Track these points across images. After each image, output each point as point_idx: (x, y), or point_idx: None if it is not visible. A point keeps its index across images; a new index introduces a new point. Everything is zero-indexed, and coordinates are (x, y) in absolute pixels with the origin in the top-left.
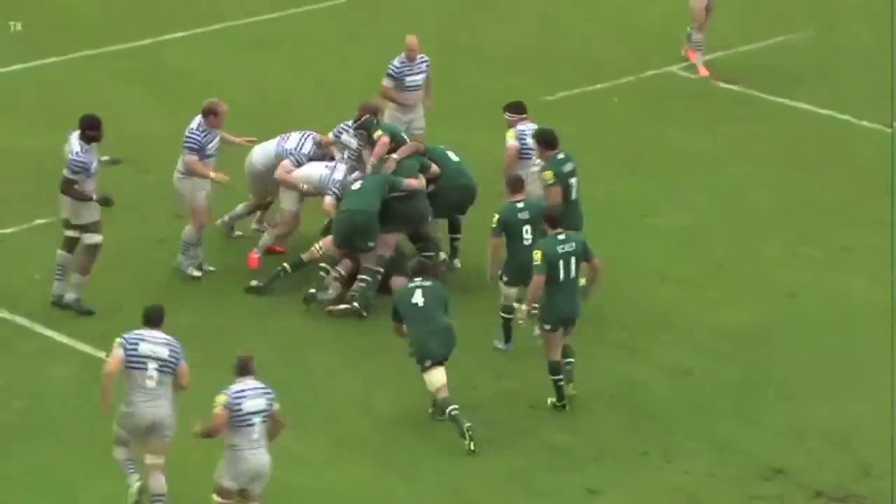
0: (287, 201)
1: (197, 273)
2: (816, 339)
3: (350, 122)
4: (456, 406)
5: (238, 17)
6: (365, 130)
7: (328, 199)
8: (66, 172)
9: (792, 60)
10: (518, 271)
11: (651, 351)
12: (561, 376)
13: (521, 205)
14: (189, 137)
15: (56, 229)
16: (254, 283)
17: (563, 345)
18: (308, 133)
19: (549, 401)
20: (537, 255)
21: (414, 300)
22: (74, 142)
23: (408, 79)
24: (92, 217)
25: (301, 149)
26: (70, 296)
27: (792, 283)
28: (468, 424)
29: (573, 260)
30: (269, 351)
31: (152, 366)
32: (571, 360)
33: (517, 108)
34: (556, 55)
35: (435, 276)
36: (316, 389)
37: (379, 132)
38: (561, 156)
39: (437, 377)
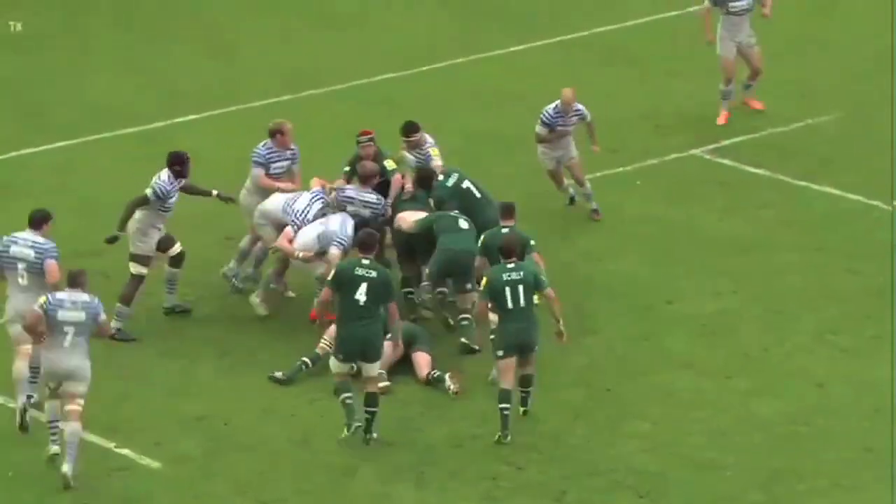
0: (313, 267)
1: (240, 286)
2: (847, 432)
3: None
4: (350, 395)
5: (251, 99)
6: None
7: (334, 251)
8: (147, 191)
9: (819, 144)
10: None
11: (677, 442)
12: (508, 405)
13: (505, 230)
14: (254, 153)
15: None
16: (278, 374)
17: (523, 375)
18: (318, 195)
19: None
20: (483, 282)
21: (357, 296)
22: (164, 173)
23: (559, 128)
24: (147, 251)
25: (307, 213)
26: (114, 324)
27: (821, 373)
28: (357, 424)
29: (521, 288)
30: (284, 439)
31: (21, 266)
32: (529, 389)
33: (415, 127)
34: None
35: (380, 255)
36: (333, 482)
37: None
38: (440, 177)
39: (337, 366)
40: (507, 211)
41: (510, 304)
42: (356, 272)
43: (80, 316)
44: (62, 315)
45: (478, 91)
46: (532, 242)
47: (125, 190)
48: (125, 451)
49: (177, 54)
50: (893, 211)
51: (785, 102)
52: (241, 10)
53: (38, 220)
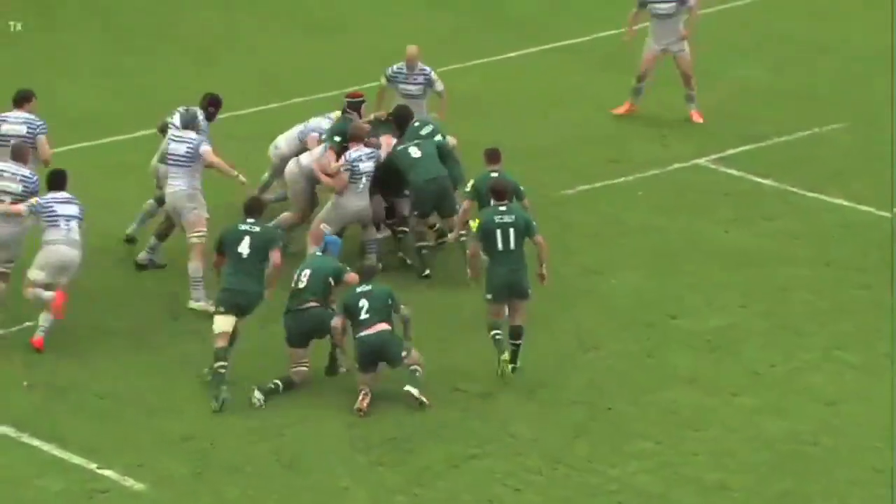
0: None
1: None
2: (857, 452)
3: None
4: (224, 364)
5: (238, 107)
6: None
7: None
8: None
9: (829, 154)
10: None
11: (682, 463)
12: (500, 331)
13: (494, 174)
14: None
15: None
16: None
17: (513, 326)
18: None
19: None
20: (473, 224)
21: (240, 249)
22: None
23: (400, 86)
24: None
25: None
26: (142, 256)
27: (830, 391)
28: (224, 395)
29: (511, 232)
30: (272, 460)
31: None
32: (519, 342)
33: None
34: (575, 147)
35: (260, 215)
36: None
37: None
38: (416, 123)
39: (220, 323)
40: (493, 155)
41: (500, 247)
42: (240, 228)
43: (17, 188)
44: (1, 185)
45: (473, 98)
46: (521, 188)
47: (102, 201)
48: (108, 473)
49: (157, 62)
50: (893, 219)
51: (792, 110)
52: (224, 16)
53: (21, 99)
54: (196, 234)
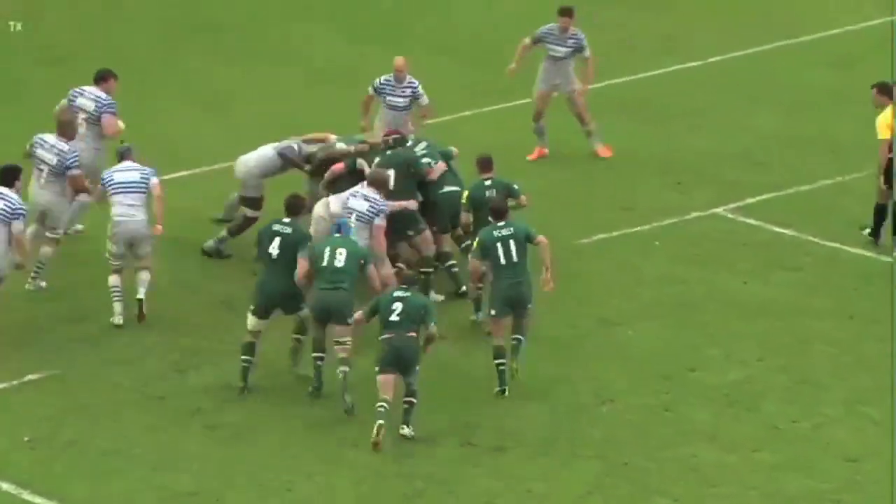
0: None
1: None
2: None
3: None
4: (248, 359)
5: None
6: None
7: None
8: (282, 152)
9: (850, 203)
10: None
11: None
12: (504, 360)
13: (488, 182)
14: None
15: (47, 385)
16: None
17: (515, 336)
18: None
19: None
20: (476, 242)
21: (271, 249)
22: (293, 142)
23: (388, 98)
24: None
25: None
26: (209, 244)
27: (853, 447)
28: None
29: (512, 243)
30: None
31: (82, 116)
32: (521, 337)
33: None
34: (592, 195)
35: (298, 214)
36: None
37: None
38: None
39: (249, 321)
40: (486, 164)
41: (503, 260)
42: (273, 228)
43: (53, 159)
44: (40, 153)
45: (480, 145)
46: (515, 187)
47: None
48: None
49: (168, 108)
50: (893, 263)
51: (812, 159)
52: (234, 64)
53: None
54: (147, 266)
